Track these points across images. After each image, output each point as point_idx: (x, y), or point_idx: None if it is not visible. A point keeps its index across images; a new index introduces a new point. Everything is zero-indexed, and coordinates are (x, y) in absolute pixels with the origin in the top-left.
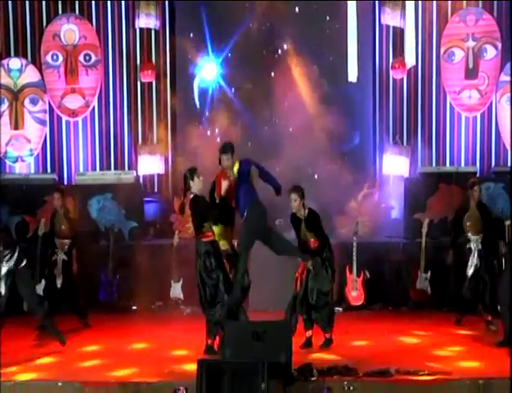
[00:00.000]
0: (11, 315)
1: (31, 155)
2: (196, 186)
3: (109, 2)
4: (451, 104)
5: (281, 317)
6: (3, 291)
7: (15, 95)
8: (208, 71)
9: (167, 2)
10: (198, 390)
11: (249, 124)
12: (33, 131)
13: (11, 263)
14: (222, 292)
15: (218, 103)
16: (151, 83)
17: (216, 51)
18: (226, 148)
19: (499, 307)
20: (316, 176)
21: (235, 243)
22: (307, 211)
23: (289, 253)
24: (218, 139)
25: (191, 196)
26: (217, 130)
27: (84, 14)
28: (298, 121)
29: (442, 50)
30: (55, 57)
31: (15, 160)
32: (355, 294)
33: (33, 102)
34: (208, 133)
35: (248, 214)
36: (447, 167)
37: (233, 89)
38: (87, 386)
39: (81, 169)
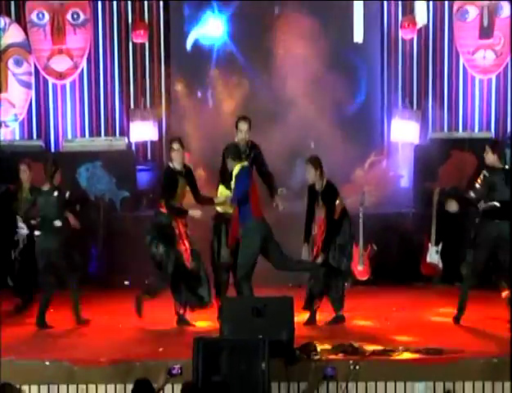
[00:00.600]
0: None
1: (16, 120)
2: (174, 157)
3: None
4: (464, 65)
5: (283, 292)
6: None
7: None
8: (209, 29)
9: None
10: (194, 370)
11: (248, 87)
12: (18, 94)
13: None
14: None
15: (217, 65)
16: (144, 43)
17: (214, 9)
18: (227, 151)
19: None
20: (318, 142)
21: None
22: (324, 183)
23: (300, 269)
24: (211, 102)
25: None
26: (214, 93)
27: None
28: (299, 84)
29: (455, 8)
30: (40, 16)
31: None
32: (361, 268)
33: (18, 64)
34: (200, 94)
35: (245, 233)
36: (460, 133)
37: (234, 50)
38: (77, 366)
39: (69, 136)
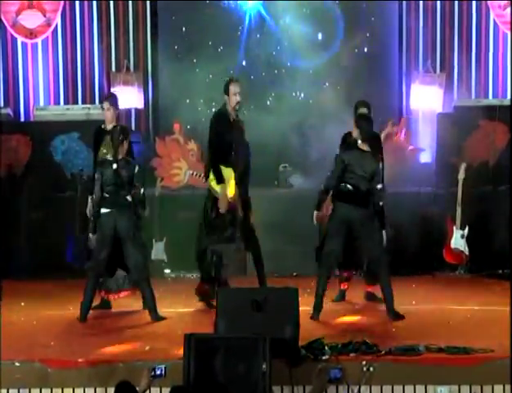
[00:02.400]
0: None
1: None
2: (105, 117)
3: None
4: (494, 21)
5: (286, 283)
6: None
7: None
8: None
9: None
10: (185, 372)
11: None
12: None
13: None
14: None
15: (204, 24)
16: None
17: None
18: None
19: None
20: (324, 112)
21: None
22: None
23: None
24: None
25: None
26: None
27: None
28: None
29: None
30: None
31: None
32: None
33: None
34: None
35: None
36: (490, 100)
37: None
38: (52, 367)
39: (41, 103)
